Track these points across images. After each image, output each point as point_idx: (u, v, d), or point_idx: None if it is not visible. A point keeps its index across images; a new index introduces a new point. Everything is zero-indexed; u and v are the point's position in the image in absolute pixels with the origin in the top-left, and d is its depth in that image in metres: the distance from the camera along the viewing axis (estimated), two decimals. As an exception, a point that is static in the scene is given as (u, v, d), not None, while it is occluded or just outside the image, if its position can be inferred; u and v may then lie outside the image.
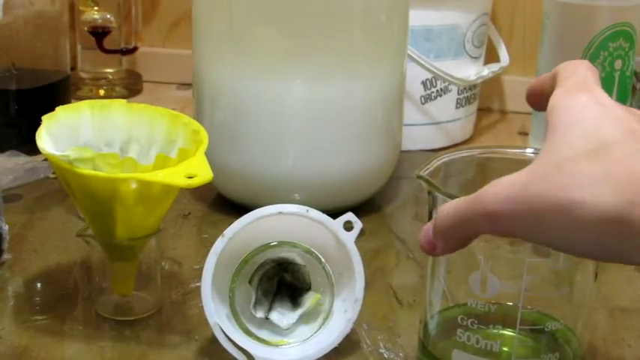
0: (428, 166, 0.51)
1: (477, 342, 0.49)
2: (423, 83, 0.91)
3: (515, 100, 1.06)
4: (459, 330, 0.50)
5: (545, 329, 0.51)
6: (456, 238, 0.45)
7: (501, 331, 0.50)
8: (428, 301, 0.53)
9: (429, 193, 0.50)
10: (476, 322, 0.50)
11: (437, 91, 0.91)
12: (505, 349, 0.50)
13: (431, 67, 0.87)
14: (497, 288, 0.49)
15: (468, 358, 0.50)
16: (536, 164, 0.41)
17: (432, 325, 0.53)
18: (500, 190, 0.41)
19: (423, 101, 0.92)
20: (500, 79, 1.06)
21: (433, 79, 0.91)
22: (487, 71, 0.93)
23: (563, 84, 0.45)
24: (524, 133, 0.98)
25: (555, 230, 0.40)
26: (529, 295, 0.49)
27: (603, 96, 0.44)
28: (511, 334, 0.50)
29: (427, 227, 0.46)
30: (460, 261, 0.50)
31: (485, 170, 0.55)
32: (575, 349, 0.52)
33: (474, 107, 0.97)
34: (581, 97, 0.43)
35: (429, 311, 0.53)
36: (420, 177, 0.50)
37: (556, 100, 0.44)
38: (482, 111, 1.05)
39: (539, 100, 0.49)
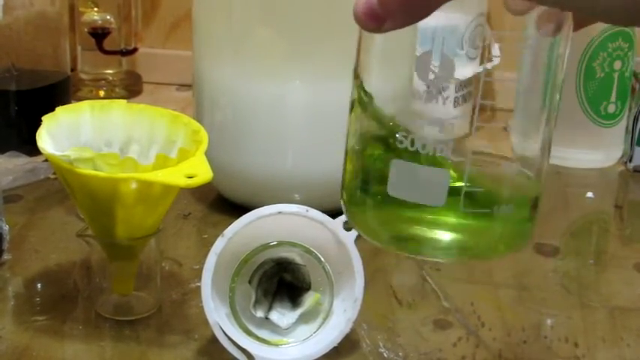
0: None
1: (424, 147, 0.41)
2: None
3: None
4: (399, 134, 0.41)
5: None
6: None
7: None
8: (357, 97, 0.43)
9: None
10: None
11: (436, 90, 0.91)
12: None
13: (432, 68, 0.87)
14: (452, 69, 0.41)
15: (412, 168, 0.41)
16: None
17: (361, 131, 0.44)
18: None
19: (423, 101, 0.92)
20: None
21: (433, 80, 0.91)
22: (481, 69, 0.93)
23: None
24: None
25: None
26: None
27: None
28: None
29: None
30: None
31: None
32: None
33: (469, 106, 0.97)
34: None
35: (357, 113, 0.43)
36: None
37: None
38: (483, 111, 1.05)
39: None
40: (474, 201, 0.42)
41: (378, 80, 0.43)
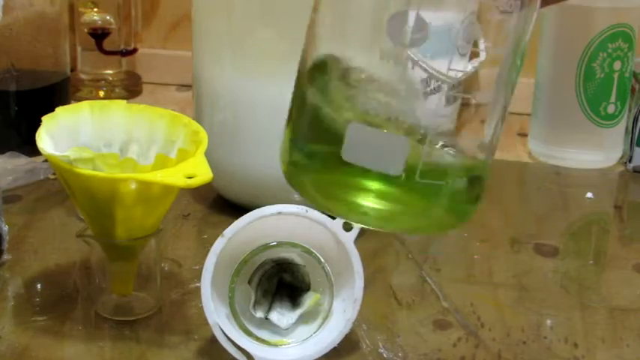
0: None
1: (387, 111, 0.40)
2: (423, 82, 0.91)
3: (514, 101, 1.06)
4: (361, 95, 0.39)
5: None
6: None
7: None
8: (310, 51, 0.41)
9: None
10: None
11: (431, 90, 0.91)
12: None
13: (427, 68, 0.87)
14: (426, 30, 0.38)
15: (372, 133, 0.39)
16: None
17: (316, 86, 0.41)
18: None
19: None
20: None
21: (428, 79, 0.91)
22: (470, 67, 0.93)
23: None
24: (523, 134, 0.98)
25: None
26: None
27: None
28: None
29: None
30: None
31: None
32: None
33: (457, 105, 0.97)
34: None
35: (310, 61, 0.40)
36: None
37: None
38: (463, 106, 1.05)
39: None
40: (427, 173, 0.40)
41: (340, 40, 0.41)
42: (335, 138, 0.39)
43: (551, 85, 0.90)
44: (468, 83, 0.40)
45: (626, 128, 0.91)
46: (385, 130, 0.38)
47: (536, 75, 0.92)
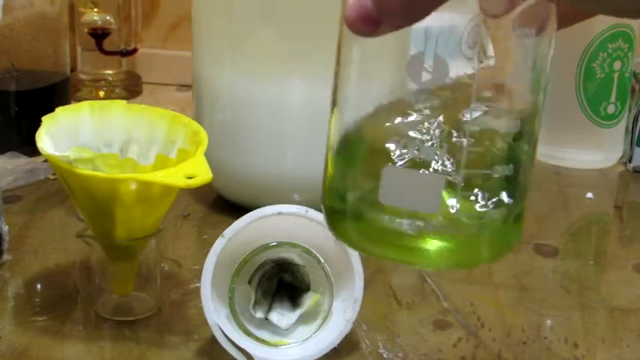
0: None
1: (419, 152, 0.39)
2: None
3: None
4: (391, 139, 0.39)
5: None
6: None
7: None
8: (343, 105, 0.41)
9: None
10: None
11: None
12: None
13: (426, 68, 0.87)
14: (446, 70, 0.39)
15: (406, 174, 0.39)
16: None
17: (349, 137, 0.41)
18: None
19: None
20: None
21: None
22: (474, 69, 0.93)
23: None
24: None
25: None
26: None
27: None
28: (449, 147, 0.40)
29: None
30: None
31: None
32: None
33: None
34: None
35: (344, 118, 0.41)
36: None
37: None
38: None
39: None
40: (466, 206, 0.40)
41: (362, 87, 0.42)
42: (372, 183, 0.39)
43: (551, 86, 0.90)
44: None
45: (626, 128, 0.91)
46: (417, 170, 0.39)
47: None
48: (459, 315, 0.63)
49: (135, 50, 1.08)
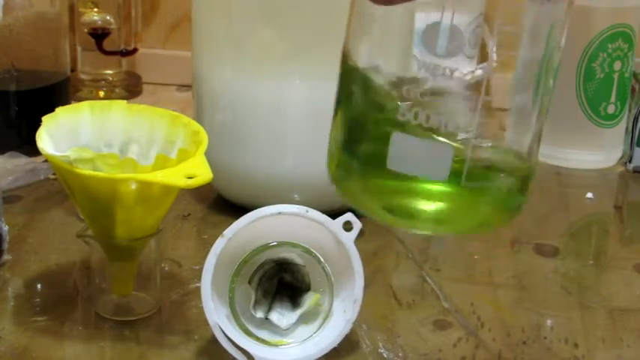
0: None
1: (427, 119, 0.40)
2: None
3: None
4: (401, 106, 0.40)
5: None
6: None
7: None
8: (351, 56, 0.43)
9: None
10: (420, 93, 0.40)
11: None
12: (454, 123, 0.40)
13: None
14: (462, 40, 0.40)
15: (415, 142, 0.40)
16: None
17: (356, 102, 0.43)
18: None
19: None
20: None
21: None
22: (480, 71, 0.93)
23: None
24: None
25: None
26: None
27: None
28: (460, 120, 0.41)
29: None
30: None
31: None
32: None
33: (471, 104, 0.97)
34: None
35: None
36: None
37: None
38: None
39: None
40: (473, 175, 0.41)
41: (378, 54, 0.42)
42: (380, 145, 0.40)
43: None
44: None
45: (626, 128, 0.91)
46: (428, 139, 0.39)
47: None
48: (459, 315, 0.63)
49: (135, 50, 1.07)
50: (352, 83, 0.42)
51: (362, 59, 0.42)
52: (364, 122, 0.42)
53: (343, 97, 0.42)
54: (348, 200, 0.43)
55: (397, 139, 0.39)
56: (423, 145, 0.39)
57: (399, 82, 0.40)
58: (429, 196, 0.41)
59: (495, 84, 0.43)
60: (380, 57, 0.42)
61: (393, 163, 0.39)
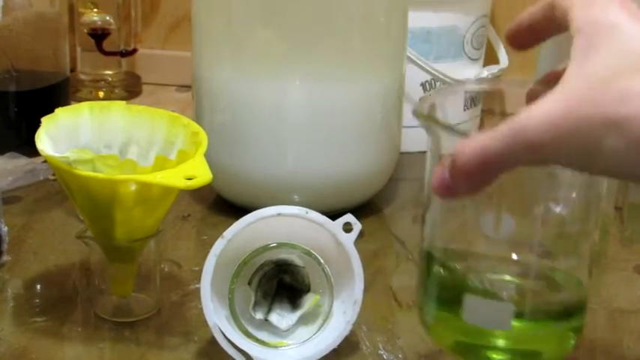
0: (423, 104, 0.49)
1: (492, 284, 0.50)
2: (422, 85, 0.91)
3: (516, 102, 1.05)
4: (470, 275, 0.50)
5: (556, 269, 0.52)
6: (483, 175, 0.41)
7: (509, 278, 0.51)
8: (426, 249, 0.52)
9: (430, 129, 0.48)
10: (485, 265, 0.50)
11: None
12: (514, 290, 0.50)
13: (430, 69, 0.87)
14: (512, 226, 0.47)
15: (484, 303, 0.49)
16: (572, 85, 0.40)
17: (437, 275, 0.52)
18: (540, 116, 0.39)
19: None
20: (501, 81, 1.06)
21: (432, 81, 0.91)
22: (486, 73, 0.93)
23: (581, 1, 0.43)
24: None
25: (602, 152, 0.38)
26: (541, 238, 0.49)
27: (632, 6, 0.42)
28: (519, 281, 0.51)
29: (441, 170, 0.43)
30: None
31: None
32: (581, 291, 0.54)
33: (478, 110, 0.97)
34: (610, 11, 0.42)
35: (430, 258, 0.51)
36: (420, 115, 0.47)
37: (581, 17, 0.43)
38: (485, 112, 1.05)
39: (526, 35, 0.50)
40: (531, 325, 0.50)
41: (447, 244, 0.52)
42: (457, 304, 0.50)
43: (552, 86, 0.90)
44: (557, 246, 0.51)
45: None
46: (493, 299, 0.49)
47: (535, 75, 0.92)
48: (459, 316, 0.63)
49: (135, 51, 1.07)
50: (433, 263, 0.52)
51: (436, 242, 0.52)
52: (443, 286, 0.52)
53: (426, 272, 0.52)
54: (436, 341, 0.54)
55: (469, 300, 0.49)
56: (490, 305, 0.49)
57: (468, 257, 0.51)
58: (501, 344, 0.51)
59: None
60: (450, 240, 0.52)
61: (468, 318, 0.49)
